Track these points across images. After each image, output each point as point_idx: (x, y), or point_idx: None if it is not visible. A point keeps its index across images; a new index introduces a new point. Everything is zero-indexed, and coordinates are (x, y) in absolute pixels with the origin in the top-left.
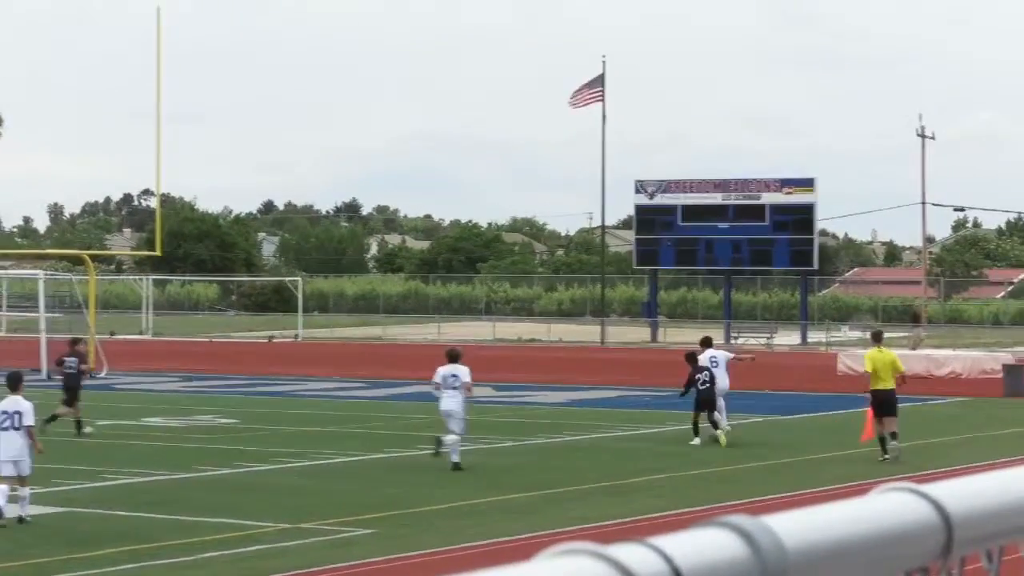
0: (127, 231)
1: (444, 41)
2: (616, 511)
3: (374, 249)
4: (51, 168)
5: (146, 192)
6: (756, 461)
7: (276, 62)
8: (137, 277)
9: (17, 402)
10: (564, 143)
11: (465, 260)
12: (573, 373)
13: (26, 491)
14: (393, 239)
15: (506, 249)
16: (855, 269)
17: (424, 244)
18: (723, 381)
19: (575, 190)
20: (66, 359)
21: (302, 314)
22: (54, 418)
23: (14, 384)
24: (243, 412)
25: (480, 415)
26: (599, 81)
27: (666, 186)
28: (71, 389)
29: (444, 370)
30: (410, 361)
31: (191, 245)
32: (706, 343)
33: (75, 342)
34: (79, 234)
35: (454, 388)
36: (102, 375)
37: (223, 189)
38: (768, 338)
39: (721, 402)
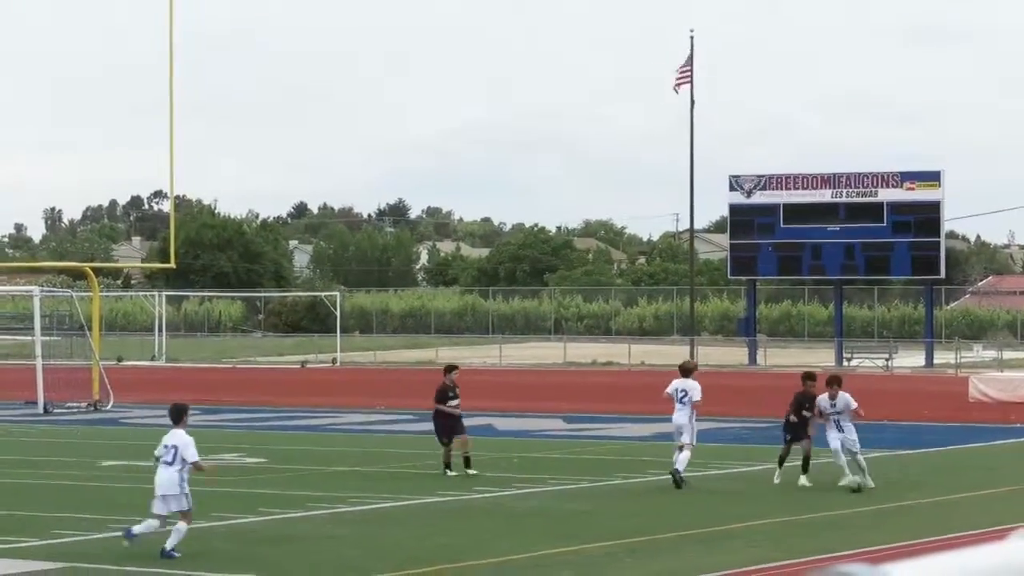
0: (136, 240)
1: (504, 19)
2: (707, 563)
3: (424, 258)
4: (46, 168)
5: (158, 194)
6: (871, 504)
7: (308, 46)
8: (148, 293)
9: (178, 436)
10: (645, 134)
11: (530, 270)
12: (657, 402)
13: (183, 526)
14: (446, 247)
15: (578, 257)
16: (989, 278)
17: (482, 252)
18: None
19: (658, 188)
20: None
21: (341, 335)
22: None
23: (177, 417)
24: (272, 450)
25: (548, 452)
26: (687, 60)
27: (765, 182)
28: None
29: (676, 384)
30: (466, 389)
31: (211, 255)
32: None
33: None
34: (80, 244)
35: (682, 403)
36: (107, 408)
37: (248, 190)
38: (887, 359)
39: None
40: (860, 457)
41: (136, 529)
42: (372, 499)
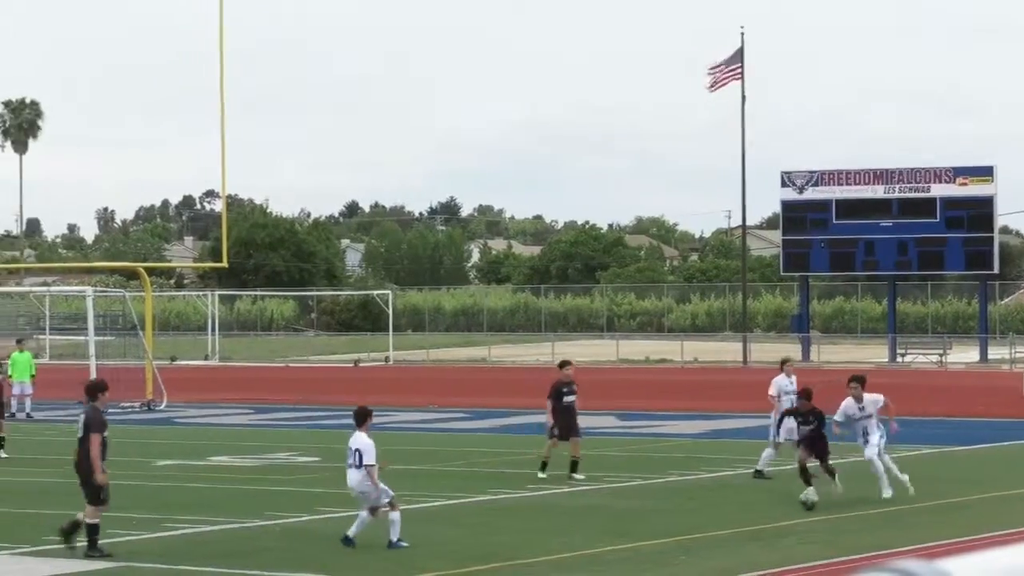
0: (188, 240)
1: (555, 16)
2: (761, 560)
3: (476, 257)
4: (99, 169)
5: (210, 194)
6: (927, 500)
7: (359, 43)
8: (201, 293)
9: (360, 439)
10: (697, 131)
11: (582, 268)
12: (710, 399)
13: (396, 515)
14: (498, 245)
15: (630, 255)
16: None
17: (534, 250)
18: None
19: (710, 185)
20: None
21: (393, 333)
22: None
23: (360, 420)
24: (325, 448)
25: (602, 449)
26: (737, 57)
27: (818, 177)
28: None
29: (779, 381)
30: (520, 387)
31: (263, 255)
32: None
33: None
34: (133, 244)
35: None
36: (161, 407)
37: (299, 189)
38: (941, 355)
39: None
40: (881, 462)
41: (351, 533)
42: (426, 497)
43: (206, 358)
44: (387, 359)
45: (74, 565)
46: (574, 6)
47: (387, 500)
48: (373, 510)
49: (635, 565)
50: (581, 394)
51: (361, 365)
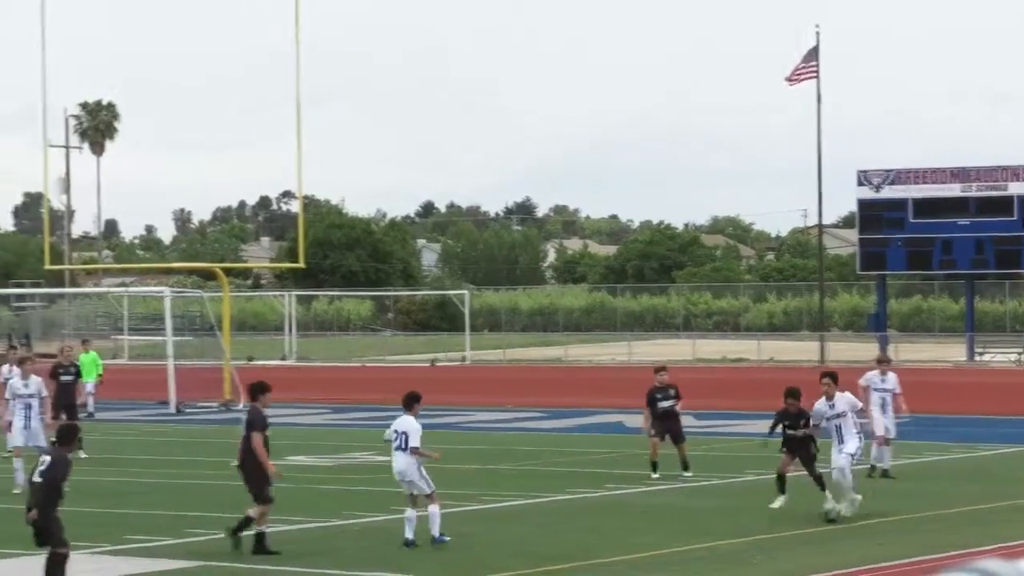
0: (265, 240)
1: (627, 14)
2: (840, 559)
3: (552, 256)
4: (176, 170)
5: (286, 195)
6: (1006, 499)
7: (437, 44)
8: (278, 293)
9: (407, 422)
10: (772, 129)
11: (658, 267)
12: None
13: (435, 509)
14: (573, 244)
15: (706, 254)
16: None
17: (610, 249)
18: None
19: (786, 183)
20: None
21: (470, 333)
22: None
23: (408, 404)
24: None
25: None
26: (813, 54)
27: (894, 176)
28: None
29: (872, 375)
30: (596, 386)
31: (339, 255)
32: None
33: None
34: (210, 244)
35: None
36: (239, 407)
37: (375, 190)
38: (1020, 354)
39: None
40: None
41: (409, 535)
42: (503, 497)
43: (283, 358)
44: (463, 359)
45: (153, 564)
46: (651, 4)
47: (428, 492)
48: (413, 499)
49: (711, 564)
50: None
51: (438, 365)
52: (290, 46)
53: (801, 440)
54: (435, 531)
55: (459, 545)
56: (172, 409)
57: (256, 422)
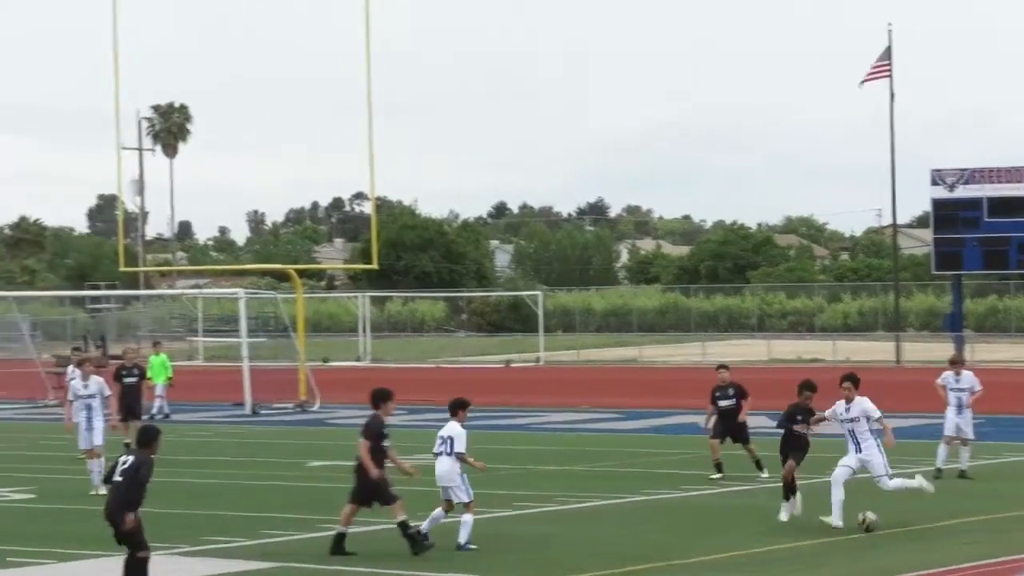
0: (338, 241)
1: (703, 14)
2: (921, 559)
3: (625, 257)
4: (250, 171)
5: (359, 196)
6: None
7: (509, 45)
8: (352, 295)
9: (453, 428)
10: (846, 128)
11: (732, 268)
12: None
13: (468, 518)
14: (646, 245)
15: (780, 254)
16: None
17: (683, 250)
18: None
19: (860, 183)
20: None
21: (543, 334)
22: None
23: (454, 410)
24: (477, 449)
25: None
26: (886, 54)
27: (969, 176)
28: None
29: (947, 375)
30: (670, 387)
31: (413, 256)
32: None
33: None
34: (283, 246)
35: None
36: (314, 408)
37: (448, 190)
38: None
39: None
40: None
41: (424, 527)
42: (579, 497)
43: (358, 359)
44: (537, 360)
45: (230, 565)
46: (722, 5)
47: (466, 500)
48: (448, 505)
49: (792, 565)
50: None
51: (512, 366)
52: (362, 47)
53: (800, 438)
54: (463, 539)
55: (536, 546)
56: (247, 411)
57: (367, 429)
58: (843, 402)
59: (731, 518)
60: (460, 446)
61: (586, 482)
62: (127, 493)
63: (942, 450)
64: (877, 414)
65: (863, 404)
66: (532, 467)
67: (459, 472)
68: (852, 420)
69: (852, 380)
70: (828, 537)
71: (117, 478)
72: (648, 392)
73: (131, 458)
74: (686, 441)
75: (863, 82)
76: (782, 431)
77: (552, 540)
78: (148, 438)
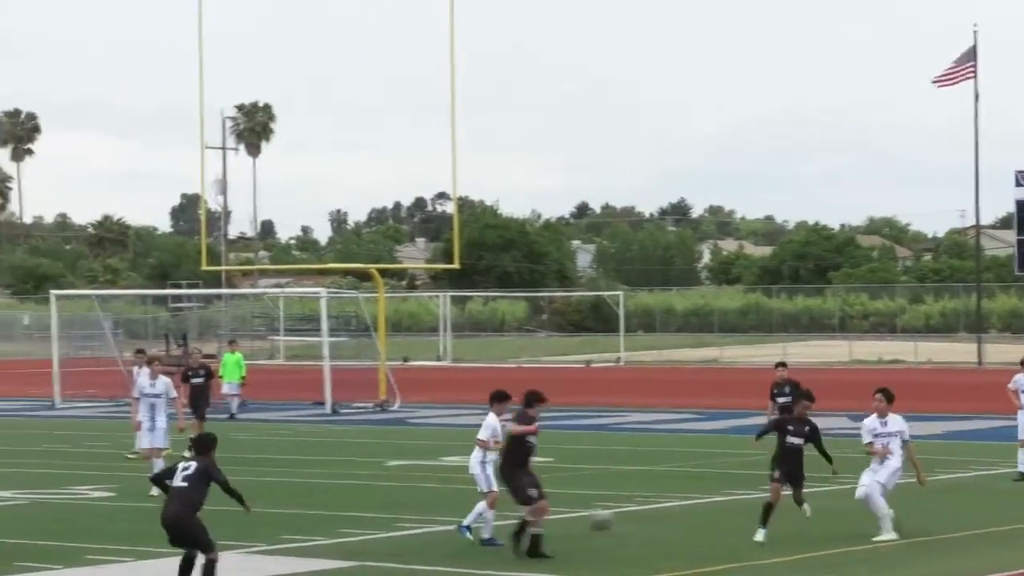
0: (420, 241)
1: (785, 15)
2: (1001, 561)
3: (706, 257)
4: (332, 171)
5: (441, 196)
6: None
7: (589, 45)
8: (433, 294)
9: (487, 419)
10: (929, 129)
11: (814, 268)
12: (945, 400)
13: (482, 506)
14: (728, 245)
15: (863, 255)
16: None
17: (765, 250)
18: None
19: (943, 184)
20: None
21: (624, 334)
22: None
23: (493, 402)
24: (557, 449)
25: (835, 450)
26: (970, 55)
27: None
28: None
29: (1020, 378)
30: (751, 387)
31: (494, 256)
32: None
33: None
34: (365, 245)
35: None
36: (394, 408)
37: (529, 190)
38: None
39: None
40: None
41: (486, 535)
42: (659, 498)
43: (438, 359)
44: (618, 360)
45: (308, 564)
46: (804, 5)
47: (484, 489)
48: (489, 499)
49: (870, 566)
50: (818, 394)
51: (592, 366)
52: (445, 48)
53: (797, 453)
54: (487, 533)
55: (614, 545)
56: (328, 410)
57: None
58: (875, 416)
59: (809, 520)
60: (481, 433)
61: (666, 482)
62: (189, 498)
63: (1022, 453)
64: (908, 436)
65: (900, 421)
66: (611, 467)
67: (480, 459)
68: (889, 435)
69: (885, 393)
70: (908, 539)
71: (180, 483)
72: (729, 392)
73: (193, 464)
74: (766, 442)
75: (938, 82)
76: (790, 441)
77: (630, 540)
78: (207, 445)
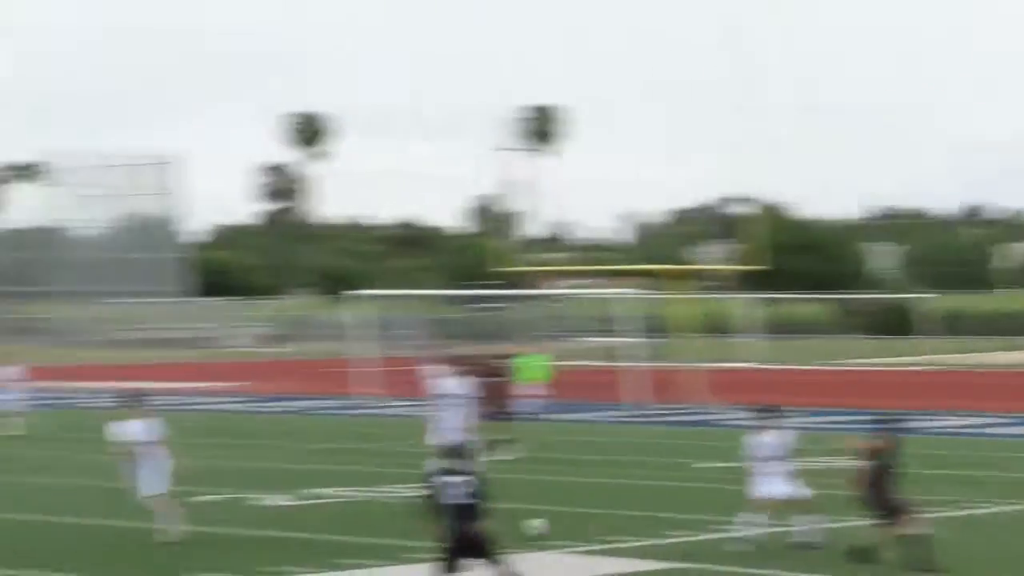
0: (716, 243)
1: None
2: None
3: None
4: (629, 171)
5: (740, 198)
6: None
7: (895, 43)
8: (735, 295)
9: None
10: None
11: None
12: None
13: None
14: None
15: None
16: None
17: None
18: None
19: None
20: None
21: (928, 338)
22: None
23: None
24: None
25: None
26: None
27: None
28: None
29: None
30: None
31: (793, 258)
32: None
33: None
34: (664, 246)
35: None
36: (700, 410)
37: (829, 191)
38: None
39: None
40: None
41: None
42: (978, 503)
43: (742, 361)
44: (925, 363)
45: (624, 565)
46: None
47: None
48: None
49: None
50: None
51: (900, 369)
52: (740, 49)
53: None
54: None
55: (952, 549)
56: (627, 411)
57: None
58: None
59: None
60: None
61: (985, 489)
62: (476, 509)
63: None
64: None
65: None
66: (919, 471)
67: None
68: None
69: None
70: None
71: (466, 501)
72: None
73: (469, 478)
74: None
75: None
76: None
77: (947, 546)
78: (466, 455)
